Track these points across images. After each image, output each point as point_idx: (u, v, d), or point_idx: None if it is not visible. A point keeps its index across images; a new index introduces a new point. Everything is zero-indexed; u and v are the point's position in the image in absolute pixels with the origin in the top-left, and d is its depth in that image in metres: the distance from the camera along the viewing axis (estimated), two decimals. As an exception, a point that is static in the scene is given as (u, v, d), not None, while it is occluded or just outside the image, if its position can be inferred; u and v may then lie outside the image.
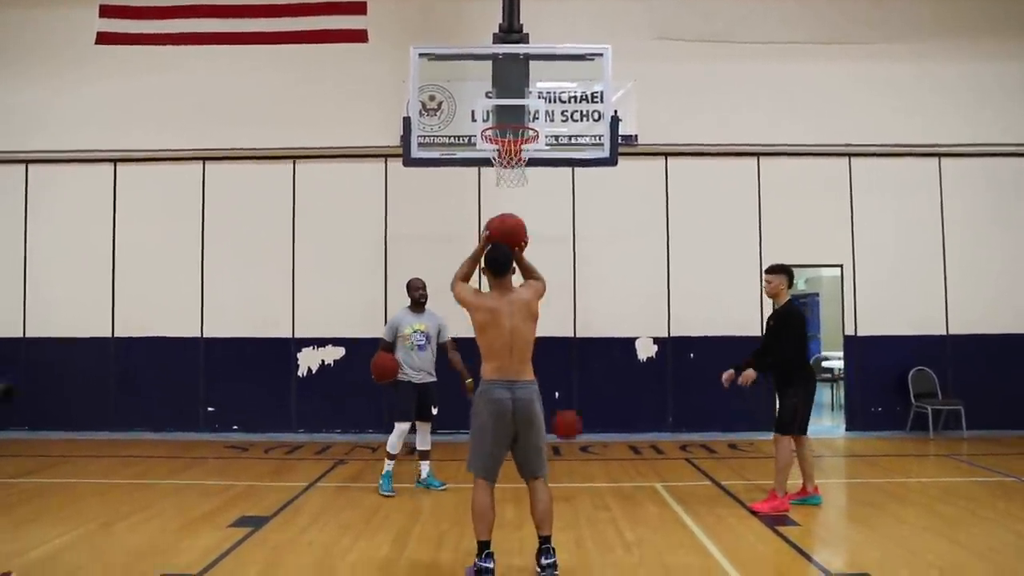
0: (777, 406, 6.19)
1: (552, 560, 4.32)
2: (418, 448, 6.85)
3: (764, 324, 6.56)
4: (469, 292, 4.56)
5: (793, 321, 6.03)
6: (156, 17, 9.51)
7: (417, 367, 6.69)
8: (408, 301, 6.86)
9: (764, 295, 9.72)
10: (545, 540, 4.37)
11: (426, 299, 6.86)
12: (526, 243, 4.73)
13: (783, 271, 6.17)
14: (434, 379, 6.82)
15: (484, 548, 4.34)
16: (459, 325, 8.65)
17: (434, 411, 6.78)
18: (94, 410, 9.70)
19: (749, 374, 5.98)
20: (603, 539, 5.23)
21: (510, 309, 4.46)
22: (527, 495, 4.48)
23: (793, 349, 5.98)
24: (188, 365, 9.84)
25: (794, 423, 5.98)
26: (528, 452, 4.38)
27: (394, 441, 6.64)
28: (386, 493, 6.53)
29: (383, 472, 6.65)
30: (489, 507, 4.35)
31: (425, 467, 6.84)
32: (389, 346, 6.69)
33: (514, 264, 4.64)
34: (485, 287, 4.74)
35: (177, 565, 4.67)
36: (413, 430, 6.78)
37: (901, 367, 9.78)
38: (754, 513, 5.82)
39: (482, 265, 4.66)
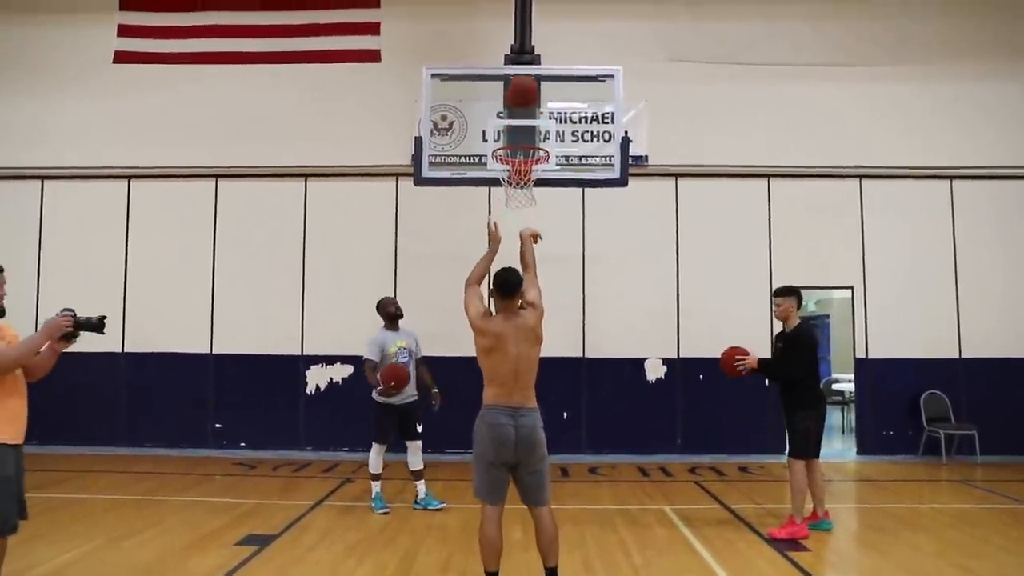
0: (787, 430, 6.11)
1: None
2: (411, 469, 6.82)
3: (773, 345, 6.50)
4: (477, 315, 4.44)
5: (803, 343, 6.00)
6: (173, 37, 9.67)
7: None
8: (381, 322, 6.91)
9: (774, 317, 9.71)
10: (551, 572, 4.30)
11: (402, 314, 6.95)
12: (538, 239, 4.82)
13: (792, 293, 6.14)
14: (416, 397, 6.84)
15: None
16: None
17: (419, 429, 6.80)
18: (103, 425, 9.73)
19: (752, 360, 5.96)
20: (611, 562, 5.19)
21: (516, 335, 4.39)
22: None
23: (803, 371, 5.96)
24: (197, 381, 9.87)
25: (808, 447, 5.95)
26: (531, 480, 4.31)
27: (374, 460, 6.66)
28: (381, 511, 6.54)
29: (372, 495, 6.68)
30: (496, 537, 4.28)
31: (421, 487, 6.83)
32: (376, 366, 6.65)
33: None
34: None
35: (183, 583, 4.67)
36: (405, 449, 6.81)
37: (913, 390, 9.69)
38: (772, 539, 5.74)
39: (490, 287, 4.64)
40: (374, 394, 6.69)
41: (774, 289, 6.42)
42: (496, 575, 4.30)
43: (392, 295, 7.10)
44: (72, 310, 3.67)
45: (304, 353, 9.88)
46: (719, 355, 6.20)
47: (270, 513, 6.56)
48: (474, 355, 4.45)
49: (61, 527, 5.94)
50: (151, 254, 10.05)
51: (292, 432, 9.83)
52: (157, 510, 6.66)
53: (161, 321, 9.92)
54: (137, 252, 10.07)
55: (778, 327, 6.35)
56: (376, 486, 6.69)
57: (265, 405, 9.84)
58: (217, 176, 10.13)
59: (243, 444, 9.80)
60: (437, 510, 6.68)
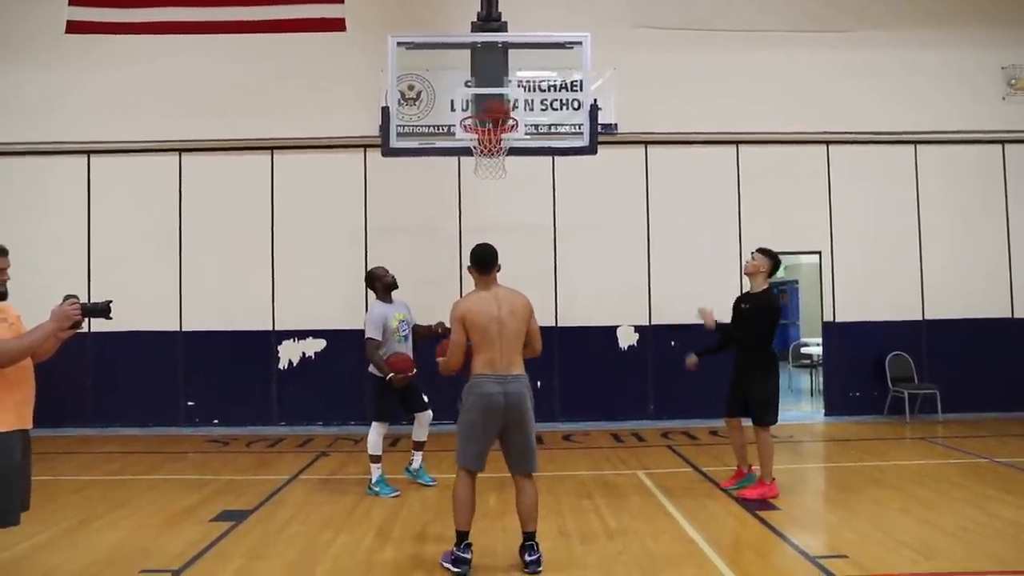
0: (749, 396, 5.99)
1: (537, 556, 4.35)
2: (414, 438, 6.61)
3: (733, 309, 6.29)
4: (462, 325, 4.42)
5: (773, 310, 6.01)
6: (128, 5, 9.33)
7: None
8: (367, 295, 6.59)
9: (747, 280, 9.79)
10: (530, 536, 4.40)
11: (397, 284, 6.55)
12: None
13: (770, 256, 6.11)
14: (415, 369, 6.57)
15: (463, 539, 4.39)
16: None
17: (425, 399, 6.52)
18: (71, 406, 9.56)
19: (692, 360, 6.21)
20: (586, 528, 5.26)
21: (499, 305, 4.45)
22: (509, 485, 4.50)
23: (769, 338, 5.99)
24: (167, 359, 9.74)
25: (773, 412, 5.96)
26: (518, 448, 4.39)
27: (375, 441, 6.27)
28: (391, 495, 6.15)
29: (375, 479, 6.26)
30: (471, 499, 4.39)
31: (418, 458, 6.64)
32: (380, 345, 6.24)
33: (498, 263, 4.61)
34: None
35: (158, 561, 4.65)
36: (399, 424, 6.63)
37: (878, 352, 9.91)
38: (743, 500, 5.82)
39: (468, 264, 4.65)
40: (373, 369, 6.32)
41: (758, 248, 6.27)
42: (467, 535, 4.40)
43: (377, 265, 6.68)
44: (76, 296, 3.58)
45: (275, 328, 9.79)
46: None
47: (244, 489, 6.53)
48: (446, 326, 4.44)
49: (33, 509, 5.85)
50: (114, 231, 9.83)
51: (265, 407, 9.77)
52: (128, 490, 6.60)
53: (127, 299, 9.62)
54: (100, 229, 9.85)
55: (747, 287, 6.35)
56: (377, 469, 6.27)
57: (237, 381, 9.76)
58: (180, 150, 9.90)
59: (216, 421, 9.73)
60: (427, 485, 6.49)
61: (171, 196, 9.89)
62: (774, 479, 5.99)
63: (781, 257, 6.44)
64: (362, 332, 6.52)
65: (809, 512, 5.91)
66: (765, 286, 6.08)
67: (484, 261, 4.58)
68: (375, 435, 6.31)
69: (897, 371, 9.84)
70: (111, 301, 3.68)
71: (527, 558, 4.35)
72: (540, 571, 4.33)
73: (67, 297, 3.59)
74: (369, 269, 6.81)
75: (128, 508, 5.95)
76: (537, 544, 4.40)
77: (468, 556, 4.36)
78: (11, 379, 3.53)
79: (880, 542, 4.80)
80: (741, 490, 6.03)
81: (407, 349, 6.46)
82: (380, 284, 6.52)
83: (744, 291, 6.23)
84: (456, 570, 4.33)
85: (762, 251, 6.14)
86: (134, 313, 9.68)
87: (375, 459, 6.30)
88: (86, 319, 3.62)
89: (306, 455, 8.09)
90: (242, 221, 9.86)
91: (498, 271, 4.62)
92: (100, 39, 9.43)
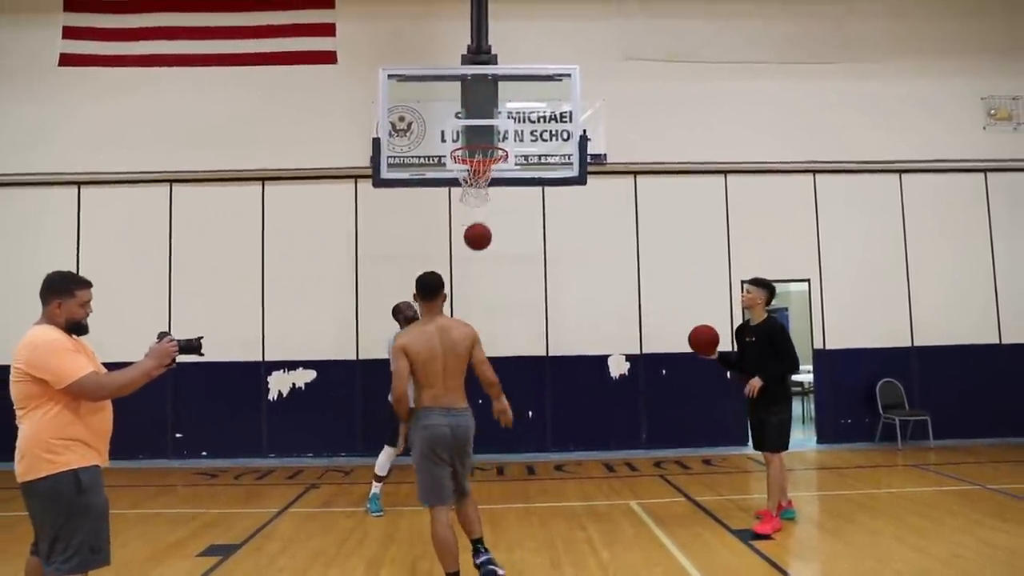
0: (760, 424, 5.96)
1: (489, 555, 4.59)
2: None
3: (736, 339, 6.37)
4: (402, 354, 4.45)
5: (787, 335, 6.00)
6: (121, 39, 9.42)
7: None
8: (396, 326, 6.74)
9: (738, 308, 9.83)
10: (478, 542, 4.67)
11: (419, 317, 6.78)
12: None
13: (765, 286, 6.09)
14: None
15: None
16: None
17: None
18: (57, 439, 9.44)
19: (756, 383, 5.84)
20: (578, 559, 5.22)
21: (441, 337, 4.50)
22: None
23: (793, 363, 5.94)
24: (155, 390, 9.54)
25: (784, 439, 5.92)
26: (461, 475, 4.59)
27: (383, 463, 6.62)
28: (376, 514, 6.56)
29: (371, 494, 6.66)
30: (451, 538, 4.41)
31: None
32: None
33: (444, 292, 4.68)
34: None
35: (144, 597, 4.56)
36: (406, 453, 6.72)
37: (869, 379, 9.94)
38: (757, 537, 5.63)
39: (414, 292, 4.70)
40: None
41: (750, 279, 6.23)
42: (457, 574, 4.37)
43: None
44: (170, 334, 3.57)
45: (265, 359, 9.73)
46: (690, 337, 6.05)
47: (233, 522, 6.44)
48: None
49: (14, 545, 5.74)
50: (104, 261, 9.77)
51: (255, 439, 9.67)
52: (115, 524, 6.39)
53: (116, 329, 9.59)
54: (89, 260, 9.80)
55: (738, 318, 6.42)
56: (378, 488, 6.67)
57: (226, 413, 9.67)
58: (171, 181, 9.92)
59: (204, 453, 9.61)
60: (377, 516, 6.60)
61: (162, 227, 9.88)
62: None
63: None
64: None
65: (803, 542, 5.87)
66: (764, 316, 6.07)
67: (428, 289, 4.60)
68: (384, 459, 6.62)
69: (888, 398, 9.86)
70: (202, 337, 3.65)
71: (481, 558, 4.58)
72: (495, 566, 4.54)
73: (162, 335, 3.56)
74: (395, 304, 6.91)
75: (115, 543, 5.75)
76: (485, 546, 4.64)
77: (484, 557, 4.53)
78: (98, 415, 3.49)
79: (874, 571, 4.78)
80: (756, 526, 5.84)
81: None
82: (402, 317, 6.76)
83: (745, 321, 6.21)
84: None
85: (755, 283, 6.12)
86: (125, 343, 9.59)
87: (378, 479, 6.66)
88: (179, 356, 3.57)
89: (296, 487, 8.00)
90: (233, 252, 9.85)
91: (443, 300, 4.67)
92: (91, 71, 9.50)
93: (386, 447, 6.62)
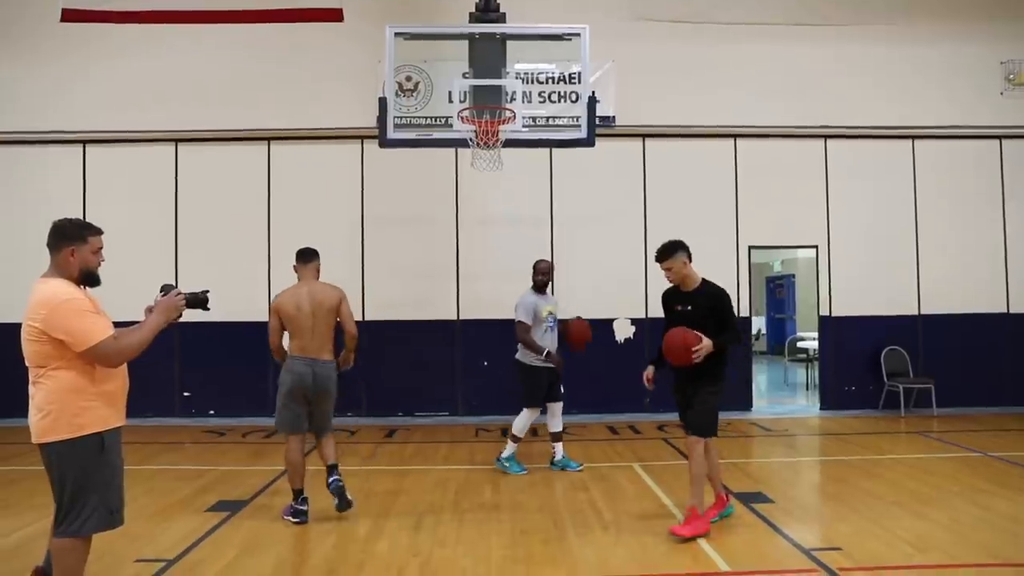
0: (688, 404, 5.04)
1: (336, 476, 5.27)
2: (551, 430, 6.86)
3: (664, 307, 5.38)
4: (276, 315, 5.35)
5: (728, 299, 5.08)
6: (124, -6, 9.25)
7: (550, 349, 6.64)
8: (526, 284, 6.88)
9: (745, 274, 9.82)
10: (333, 467, 5.30)
11: (549, 282, 6.92)
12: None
13: (676, 248, 5.07)
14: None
15: (299, 494, 5.24)
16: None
17: (561, 390, 6.85)
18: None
19: (708, 344, 4.80)
20: (581, 519, 5.28)
21: (311, 299, 5.29)
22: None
23: (737, 335, 5.02)
24: (163, 350, 9.67)
25: (713, 424, 5.00)
26: (323, 417, 5.36)
27: (524, 425, 6.64)
28: (518, 472, 6.57)
29: (506, 455, 6.66)
30: (300, 460, 5.27)
31: (559, 449, 6.86)
32: (530, 328, 6.59)
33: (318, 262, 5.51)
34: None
35: (153, 550, 4.65)
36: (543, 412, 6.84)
37: (874, 347, 9.93)
38: (686, 540, 4.74)
39: (294, 260, 5.54)
40: (524, 358, 6.67)
41: (656, 253, 5.18)
42: (303, 491, 5.25)
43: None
44: (175, 286, 3.45)
45: (271, 319, 9.75)
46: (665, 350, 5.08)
47: (240, 479, 6.53)
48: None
49: (24, 499, 5.85)
50: (111, 221, 9.53)
51: (262, 398, 9.74)
52: (124, 479, 6.58)
53: (123, 289, 9.59)
54: (96, 219, 9.59)
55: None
56: (513, 447, 6.67)
57: (233, 372, 9.75)
58: (177, 140, 9.87)
59: (212, 412, 9.73)
60: (578, 471, 6.67)
61: (167, 186, 9.86)
62: (708, 508, 5.05)
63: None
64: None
65: (803, 505, 5.92)
66: (699, 280, 5.14)
67: (302, 254, 5.51)
68: (525, 419, 6.67)
69: (893, 365, 9.86)
70: (208, 291, 3.55)
71: (330, 479, 5.26)
72: (342, 483, 5.26)
73: (165, 287, 3.44)
74: (536, 261, 6.99)
75: (124, 498, 5.93)
76: (337, 472, 5.29)
77: (305, 508, 5.21)
78: (118, 374, 3.39)
79: (874, 535, 4.82)
80: (673, 526, 4.87)
81: (552, 340, 6.73)
82: (536, 277, 6.82)
83: (672, 287, 5.23)
84: (296, 520, 5.16)
85: (666, 253, 5.07)
86: (130, 303, 9.63)
87: (515, 439, 6.69)
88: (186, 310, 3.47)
89: (302, 446, 8.08)
90: (238, 212, 9.84)
91: (317, 267, 5.49)
92: (97, 31, 9.38)
93: (525, 409, 6.67)
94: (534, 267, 6.89)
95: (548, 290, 6.92)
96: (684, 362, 4.87)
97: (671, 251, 5.06)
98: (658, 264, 5.16)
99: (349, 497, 5.28)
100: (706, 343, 4.79)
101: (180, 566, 4.42)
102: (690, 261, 5.11)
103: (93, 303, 3.41)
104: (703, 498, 4.89)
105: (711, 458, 5.03)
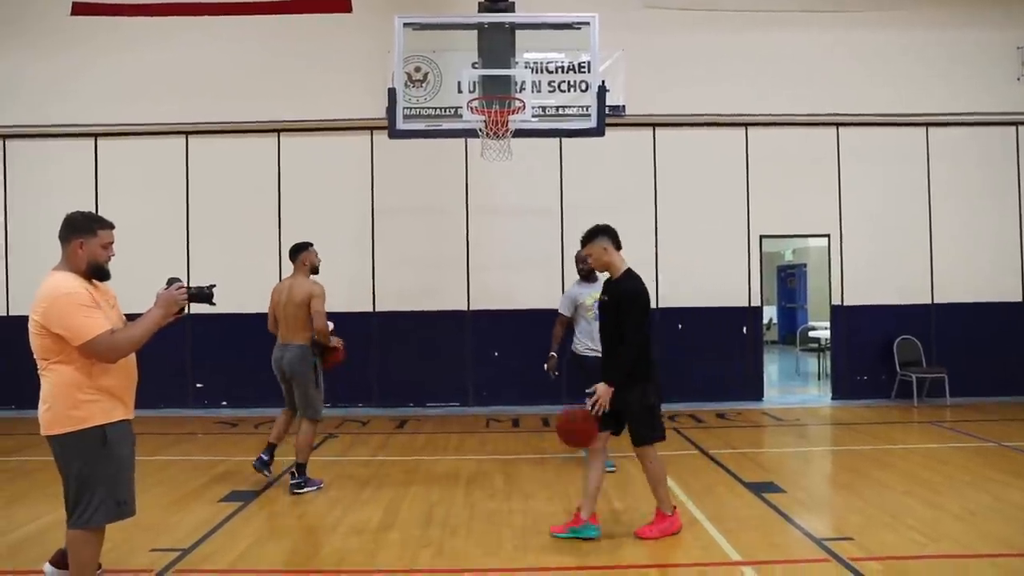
0: (623, 411, 4.62)
1: (266, 459, 6.02)
2: None
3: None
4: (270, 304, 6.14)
5: (644, 301, 4.63)
6: (134, -13, 9.29)
7: (596, 339, 5.80)
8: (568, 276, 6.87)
9: (756, 264, 9.77)
10: (301, 468, 5.80)
11: (589, 271, 6.35)
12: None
13: (599, 234, 4.73)
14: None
15: (271, 448, 6.11)
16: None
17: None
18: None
19: (604, 391, 4.51)
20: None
21: (286, 293, 5.97)
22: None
23: (646, 336, 4.59)
24: (176, 341, 9.75)
25: (657, 425, 4.67)
26: (296, 398, 6.03)
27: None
28: (609, 470, 6.05)
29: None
30: (280, 431, 6.17)
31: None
32: (567, 320, 6.46)
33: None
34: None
35: (168, 540, 4.70)
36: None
37: (887, 336, 9.87)
38: (642, 538, 4.61)
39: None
40: (575, 347, 6.48)
41: (582, 238, 4.87)
42: (276, 446, 6.13)
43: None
44: (180, 279, 3.43)
45: (282, 311, 9.79)
46: (568, 422, 4.74)
47: (253, 470, 6.55)
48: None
49: (40, 489, 5.90)
50: (122, 214, 9.55)
51: (273, 390, 9.77)
52: (138, 471, 6.50)
53: (135, 281, 9.68)
54: (107, 212, 9.66)
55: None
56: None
57: (245, 363, 9.76)
58: (187, 133, 9.90)
59: (224, 403, 9.79)
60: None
61: (178, 179, 9.90)
62: (675, 508, 4.80)
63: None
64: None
65: (815, 495, 5.91)
66: (624, 269, 4.74)
67: (290, 250, 6.16)
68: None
69: (905, 355, 9.80)
70: (214, 285, 3.53)
71: (291, 481, 5.77)
72: (299, 492, 5.71)
73: (171, 280, 3.41)
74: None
75: (138, 488, 5.94)
76: (299, 473, 5.77)
77: (267, 458, 6.03)
78: (122, 367, 3.40)
79: (886, 525, 4.81)
80: (638, 529, 4.69)
81: (592, 332, 6.25)
82: (577, 267, 6.60)
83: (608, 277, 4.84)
84: (263, 471, 6.08)
85: (589, 237, 4.76)
86: (141, 295, 9.70)
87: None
88: (189, 304, 3.44)
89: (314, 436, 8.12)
90: (249, 203, 9.87)
91: (305, 263, 6.04)
92: (107, 23, 9.42)
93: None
94: (576, 258, 6.55)
95: (593, 278, 6.27)
96: (589, 438, 4.63)
97: (592, 236, 4.75)
98: (582, 250, 5.02)
99: (296, 492, 5.74)
100: (599, 398, 4.48)
101: (194, 556, 4.46)
102: (618, 248, 4.74)
103: (104, 296, 3.42)
104: (668, 499, 4.73)
105: (596, 469, 4.67)
